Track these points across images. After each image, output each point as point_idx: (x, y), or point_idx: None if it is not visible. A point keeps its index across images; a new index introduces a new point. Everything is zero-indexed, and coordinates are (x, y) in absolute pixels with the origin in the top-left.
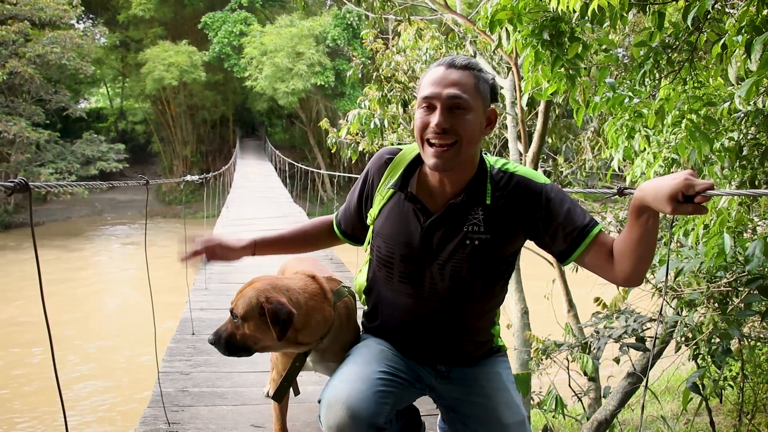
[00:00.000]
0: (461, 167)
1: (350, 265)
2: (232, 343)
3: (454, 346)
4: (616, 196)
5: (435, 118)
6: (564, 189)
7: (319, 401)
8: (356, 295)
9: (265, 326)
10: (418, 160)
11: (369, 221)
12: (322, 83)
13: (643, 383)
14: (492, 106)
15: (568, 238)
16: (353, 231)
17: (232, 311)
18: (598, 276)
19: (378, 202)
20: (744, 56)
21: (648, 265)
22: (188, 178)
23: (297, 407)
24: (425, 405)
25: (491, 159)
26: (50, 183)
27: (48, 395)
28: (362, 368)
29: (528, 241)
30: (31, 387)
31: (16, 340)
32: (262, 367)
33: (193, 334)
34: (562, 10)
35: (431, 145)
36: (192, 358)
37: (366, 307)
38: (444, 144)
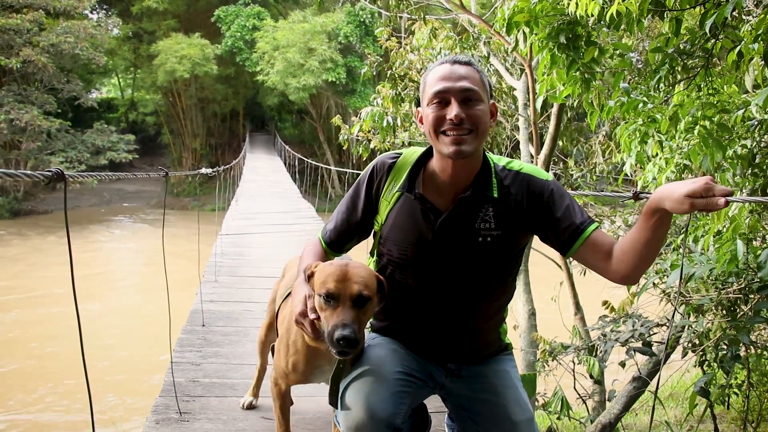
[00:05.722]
0: (473, 157)
1: None
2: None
3: (465, 343)
4: (628, 201)
5: (452, 111)
6: (576, 192)
7: (336, 398)
8: None
9: (376, 302)
10: (421, 162)
11: (376, 227)
12: (334, 80)
13: (654, 386)
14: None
15: (566, 233)
16: (340, 239)
17: (353, 296)
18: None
19: (384, 207)
20: (762, 64)
21: (647, 267)
22: (203, 170)
23: (307, 401)
24: (432, 402)
25: (494, 157)
26: (83, 173)
27: (55, 388)
28: (379, 369)
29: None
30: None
31: (29, 329)
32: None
33: (204, 325)
34: (579, 14)
35: (447, 135)
36: (202, 349)
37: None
38: (461, 133)
